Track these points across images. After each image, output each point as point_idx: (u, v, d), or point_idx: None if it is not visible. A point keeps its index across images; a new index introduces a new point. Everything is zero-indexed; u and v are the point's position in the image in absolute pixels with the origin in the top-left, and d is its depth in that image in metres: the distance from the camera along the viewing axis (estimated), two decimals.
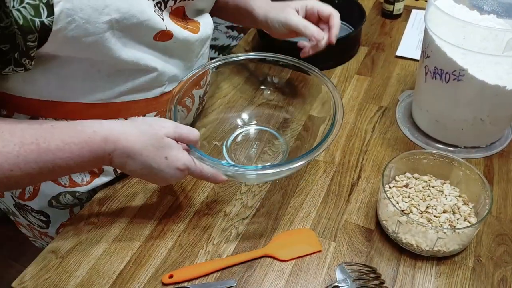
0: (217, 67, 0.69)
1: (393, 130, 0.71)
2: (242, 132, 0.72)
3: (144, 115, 0.61)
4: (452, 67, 0.57)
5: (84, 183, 0.62)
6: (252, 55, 0.71)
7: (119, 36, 0.49)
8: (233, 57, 0.69)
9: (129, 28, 0.50)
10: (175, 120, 0.56)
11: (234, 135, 0.71)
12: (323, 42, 0.65)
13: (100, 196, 0.62)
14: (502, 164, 0.63)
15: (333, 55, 0.85)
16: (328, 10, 0.66)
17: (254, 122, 0.73)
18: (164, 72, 0.58)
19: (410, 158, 0.58)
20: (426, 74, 0.62)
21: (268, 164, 0.66)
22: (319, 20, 0.68)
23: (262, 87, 0.76)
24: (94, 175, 0.62)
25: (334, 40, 0.66)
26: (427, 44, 0.61)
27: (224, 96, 0.78)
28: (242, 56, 0.70)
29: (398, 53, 0.86)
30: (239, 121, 0.73)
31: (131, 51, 0.52)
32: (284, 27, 0.67)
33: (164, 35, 0.55)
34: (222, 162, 0.53)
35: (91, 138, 0.47)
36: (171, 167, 0.50)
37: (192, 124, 0.71)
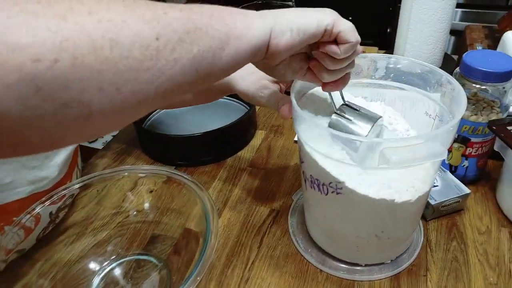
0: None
1: (284, 243, 0.57)
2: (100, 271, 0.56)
3: None
4: (327, 179, 0.45)
5: None
6: (109, 173, 0.58)
7: None
8: (94, 176, 0.57)
9: None
10: None
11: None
12: None
13: None
14: (411, 286, 0.50)
15: (224, 144, 0.73)
16: None
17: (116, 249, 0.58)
18: None
19: None
20: (305, 181, 0.50)
21: None
22: None
23: (128, 197, 0.62)
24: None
25: None
26: (299, 146, 0.49)
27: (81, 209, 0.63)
28: (105, 173, 0.58)
29: (296, 138, 0.75)
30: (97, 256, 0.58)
31: None
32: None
33: None
34: None
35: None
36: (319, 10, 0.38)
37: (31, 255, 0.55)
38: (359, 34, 0.39)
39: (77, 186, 0.57)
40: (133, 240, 0.59)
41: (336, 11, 0.38)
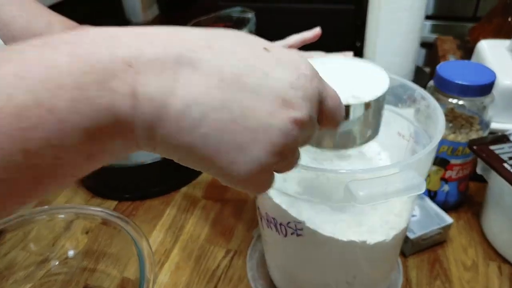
0: None
1: None
2: None
3: None
4: (284, 218, 0.37)
5: None
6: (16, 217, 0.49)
7: None
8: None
9: None
10: None
11: None
12: None
13: None
14: None
15: (174, 174, 0.64)
16: None
17: None
18: None
19: None
20: (261, 219, 0.42)
21: None
22: None
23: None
24: None
25: None
26: None
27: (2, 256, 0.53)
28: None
29: None
30: None
31: None
32: None
33: None
34: None
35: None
36: (284, 62, 0.22)
37: None
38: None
39: None
40: None
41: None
